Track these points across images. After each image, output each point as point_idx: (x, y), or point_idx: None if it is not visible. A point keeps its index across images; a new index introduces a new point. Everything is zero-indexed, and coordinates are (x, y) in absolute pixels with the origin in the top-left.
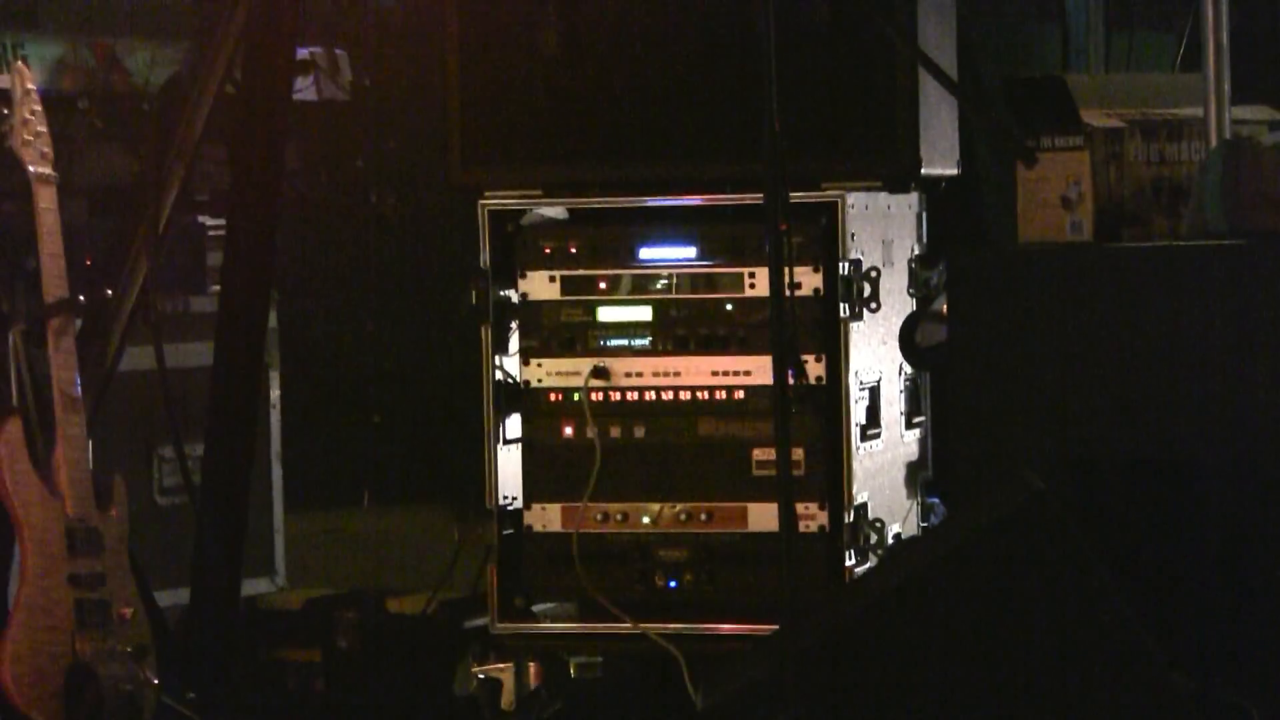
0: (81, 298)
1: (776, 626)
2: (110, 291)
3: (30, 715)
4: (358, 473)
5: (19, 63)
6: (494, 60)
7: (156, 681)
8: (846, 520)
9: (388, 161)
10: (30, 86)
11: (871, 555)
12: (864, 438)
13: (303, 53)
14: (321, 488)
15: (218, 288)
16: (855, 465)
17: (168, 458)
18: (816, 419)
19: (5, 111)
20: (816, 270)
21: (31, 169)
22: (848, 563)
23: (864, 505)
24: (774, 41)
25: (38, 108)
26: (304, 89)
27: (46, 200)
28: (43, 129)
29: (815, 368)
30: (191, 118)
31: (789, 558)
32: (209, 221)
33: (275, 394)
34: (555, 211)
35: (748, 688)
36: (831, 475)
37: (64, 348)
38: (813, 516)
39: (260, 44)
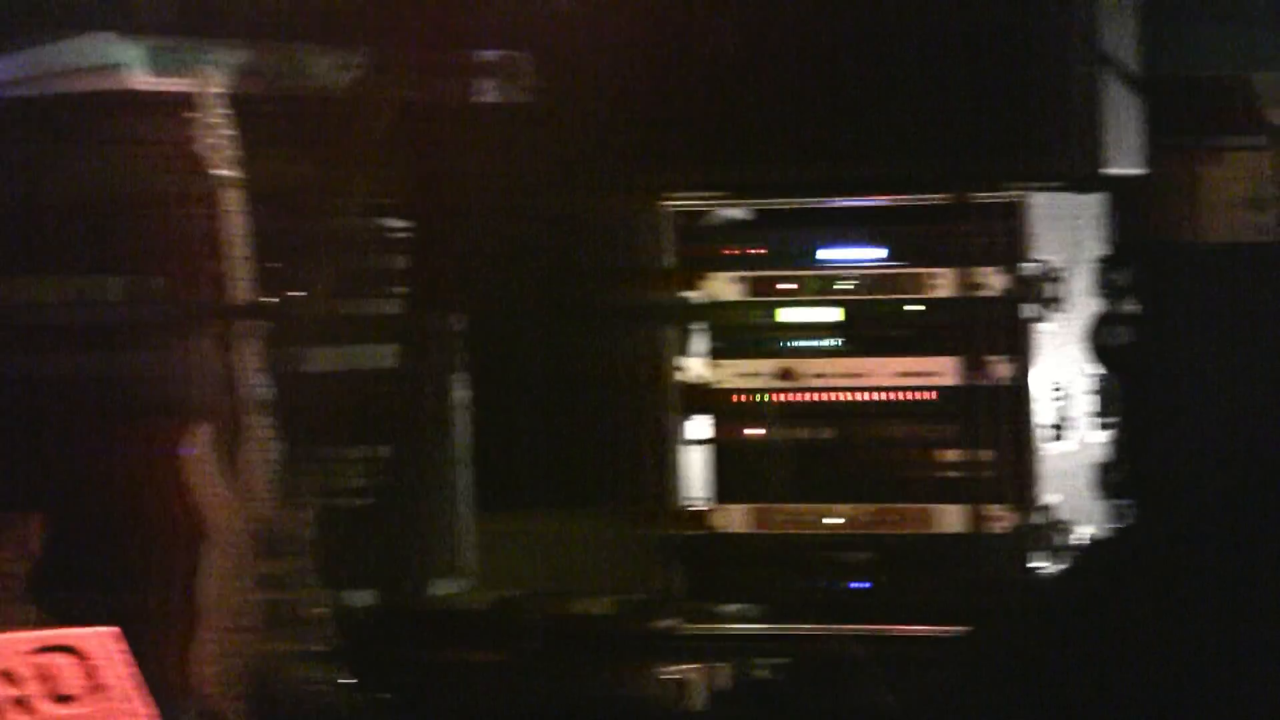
0: (267, 300)
1: (964, 628)
2: (296, 294)
3: (222, 716)
4: (544, 474)
5: (202, 67)
6: (678, 60)
7: (346, 682)
8: (1034, 521)
9: (572, 163)
10: (215, 90)
11: (1060, 557)
12: (1053, 439)
13: (484, 55)
14: (510, 489)
15: (405, 290)
16: (1044, 466)
17: (355, 459)
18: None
19: (190, 115)
20: (1001, 271)
21: (216, 173)
22: (1035, 564)
23: (1051, 507)
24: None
25: (223, 112)
26: (485, 91)
27: (230, 204)
28: (227, 133)
29: (1000, 369)
30: (375, 121)
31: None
32: (394, 224)
33: (463, 396)
34: (739, 212)
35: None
36: (1019, 476)
37: (251, 350)
38: (1001, 518)
39: (441, 48)
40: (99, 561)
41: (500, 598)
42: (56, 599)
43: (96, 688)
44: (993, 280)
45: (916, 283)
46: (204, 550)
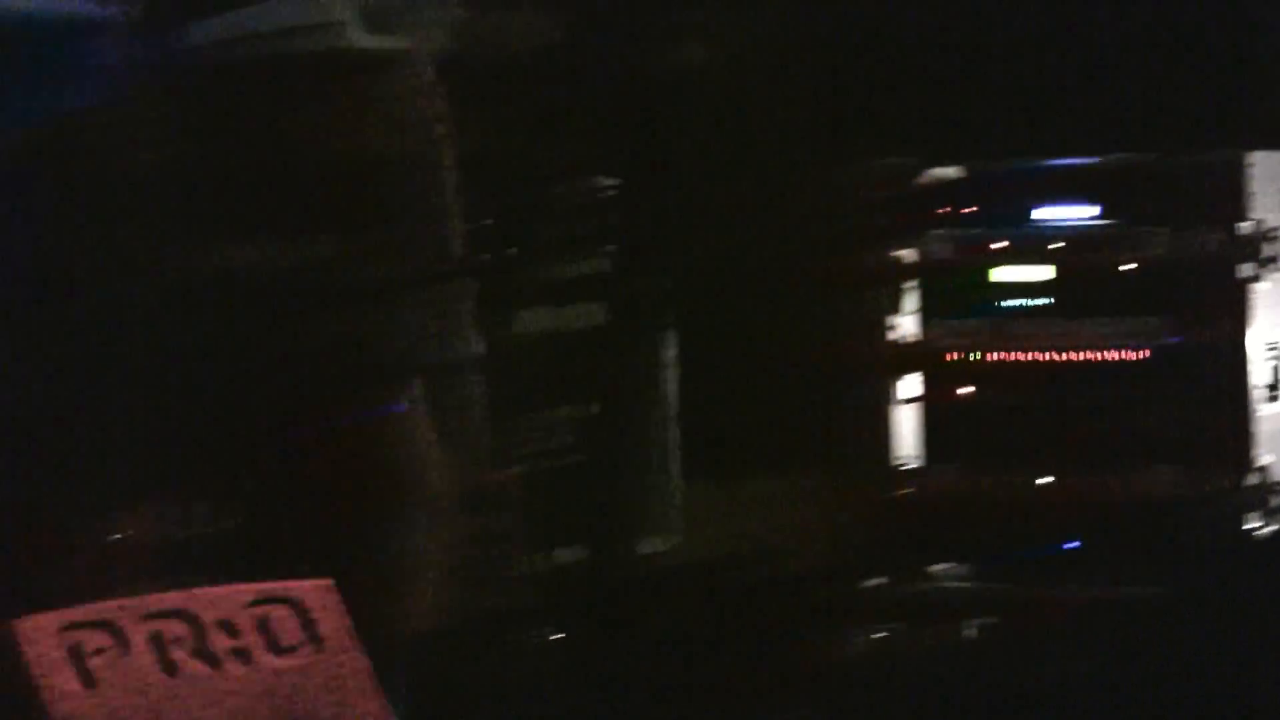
0: (481, 259)
1: (1175, 591)
2: (505, 253)
3: (433, 667)
4: (753, 434)
5: (420, 26)
6: (895, 20)
7: (554, 637)
8: (1250, 483)
9: (782, 123)
10: (432, 49)
11: (1276, 519)
12: (1270, 400)
13: (694, 15)
14: (716, 449)
15: (616, 250)
16: (1260, 427)
17: (563, 418)
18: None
19: (407, 74)
20: (1218, 230)
21: (431, 131)
22: (1250, 527)
23: (1268, 468)
24: None
25: (439, 70)
26: (698, 51)
27: (445, 163)
28: (444, 92)
29: (1217, 329)
30: (592, 81)
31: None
32: (603, 182)
33: (671, 355)
34: (950, 172)
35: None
36: (1235, 438)
37: (462, 309)
38: (1215, 480)
39: (652, 9)
40: (312, 516)
41: (712, 557)
42: (273, 553)
43: (314, 639)
44: (1208, 240)
45: (1131, 242)
46: (415, 507)
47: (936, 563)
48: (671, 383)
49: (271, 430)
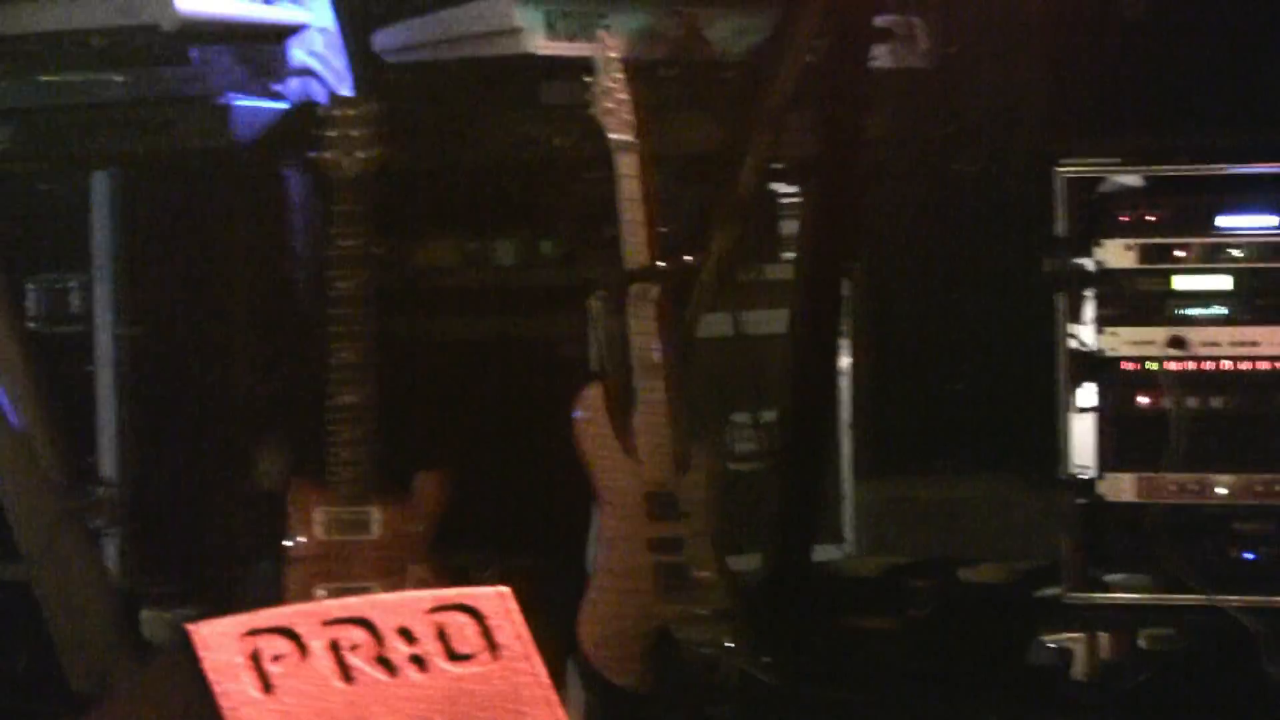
0: (662, 264)
1: None
2: (690, 258)
3: (610, 678)
4: (928, 441)
5: (603, 32)
6: (1074, 25)
7: (733, 646)
8: None
9: (967, 129)
10: (614, 55)
11: None
12: None
13: (882, 20)
14: (891, 455)
15: (793, 255)
16: None
17: (742, 424)
18: None
19: (589, 80)
20: None
21: (613, 136)
22: None
23: None
24: None
25: (620, 76)
26: (883, 57)
27: (628, 167)
28: (625, 97)
29: None
30: (774, 87)
31: None
32: (783, 189)
33: (846, 362)
34: (1133, 179)
35: None
36: None
37: (645, 314)
38: None
39: (841, 13)
40: (495, 521)
41: (887, 564)
42: (453, 558)
43: (492, 646)
44: None
45: None
46: (597, 512)
47: (1114, 571)
48: (847, 390)
49: (449, 431)
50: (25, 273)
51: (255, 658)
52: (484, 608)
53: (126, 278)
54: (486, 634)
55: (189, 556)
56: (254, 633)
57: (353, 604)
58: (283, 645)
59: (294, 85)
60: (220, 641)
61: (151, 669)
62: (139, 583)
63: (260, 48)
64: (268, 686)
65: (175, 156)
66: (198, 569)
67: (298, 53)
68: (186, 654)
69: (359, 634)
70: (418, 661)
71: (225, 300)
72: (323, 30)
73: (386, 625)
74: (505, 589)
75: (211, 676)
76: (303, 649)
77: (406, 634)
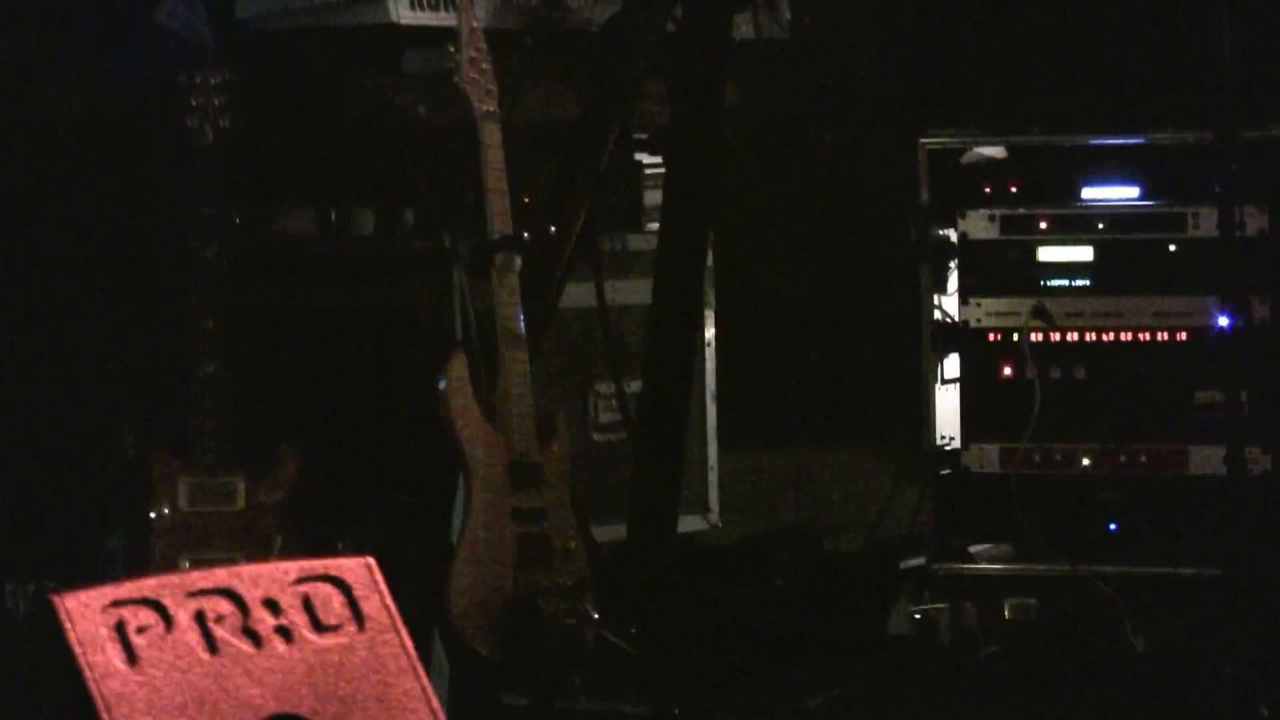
0: (525, 234)
1: (1217, 570)
2: (552, 228)
3: (475, 646)
4: (791, 411)
5: (466, 1)
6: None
7: (596, 615)
8: None
9: (826, 100)
10: (476, 25)
11: None
12: None
13: None
14: (754, 426)
15: (655, 225)
16: None
17: (604, 394)
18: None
19: (452, 49)
20: (1263, 211)
21: (477, 106)
22: None
23: None
24: None
25: (483, 46)
26: (743, 26)
27: (491, 137)
28: (487, 67)
29: (1260, 310)
30: (632, 56)
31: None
32: (646, 159)
33: (710, 332)
34: (995, 150)
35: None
36: (1277, 418)
37: (507, 284)
38: (1256, 460)
39: None
40: (354, 492)
41: (747, 534)
42: (313, 529)
43: (358, 617)
44: (1253, 219)
45: (1175, 221)
46: (461, 482)
47: (978, 541)
48: (711, 360)
49: (313, 403)
50: None
51: (120, 629)
52: (349, 578)
53: None
54: (352, 605)
55: (48, 527)
56: (119, 603)
57: (218, 575)
58: (148, 616)
59: (157, 50)
60: (85, 612)
61: (10, 640)
62: None
63: (124, 12)
64: (133, 658)
65: (37, 122)
66: (57, 540)
67: (162, 16)
68: (49, 625)
69: (224, 605)
70: (283, 633)
71: (84, 270)
72: None
73: (252, 596)
74: (370, 559)
75: (76, 648)
76: (168, 620)
77: (272, 605)
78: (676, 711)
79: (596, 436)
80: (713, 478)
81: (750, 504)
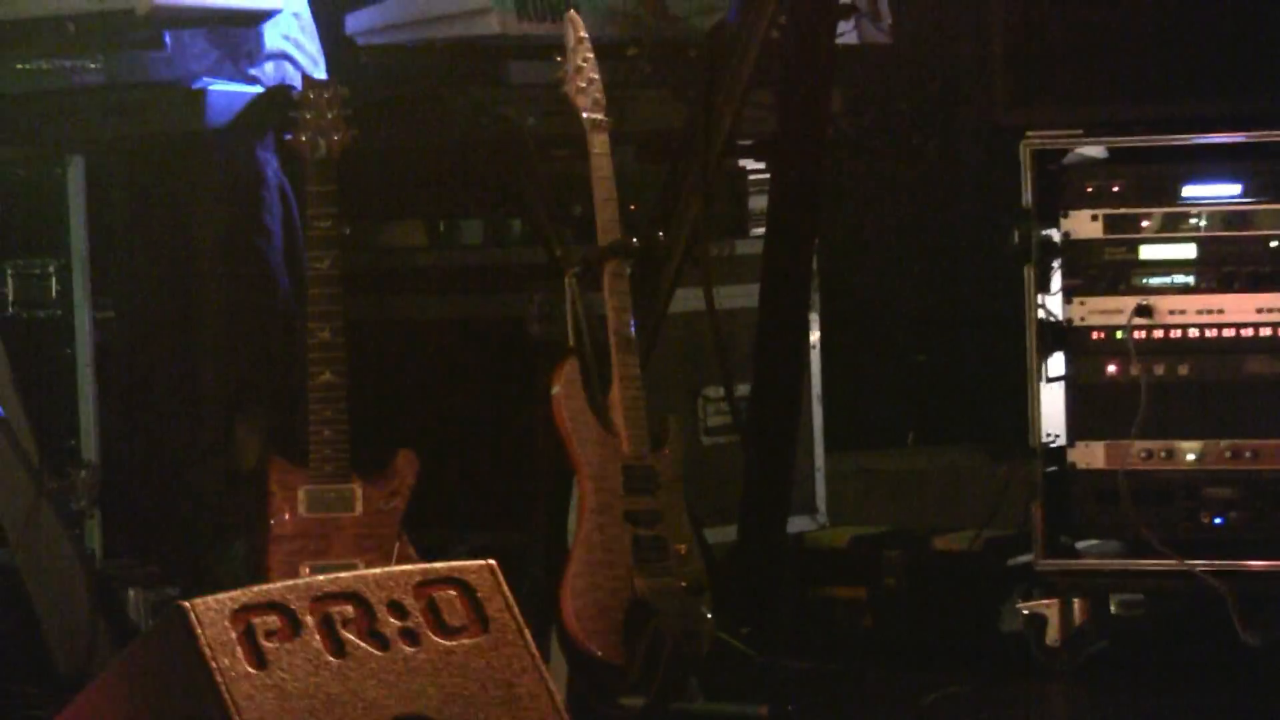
0: (634, 241)
1: None
2: (661, 235)
3: (591, 649)
4: (898, 413)
5: (571, 11)
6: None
7: (711, 617)
8: None
9: (930, 103)
10: (583, 35)
11: None
12: None
13: None
14: (862, 428)
15: (761, 231)
16: None
17: (714, 398)
18: None
19: (560, 60)
20: None
21: (585, 115)
22: None
23: None
24: None
25: (590, 55)
26: (847, 33)
27: (599, 145)
28: (595, 76)
29: None
30: (738, 64)
31: None
32: (751, 165)
33: (816, 336)
34: (1097, 150)
35: None
36: None
37: (618, 290)
38: None
39: None
40: (472, 498)
41: (860, 535)
42: (427, 535)
43: (482, 620)
44: None
45: (1275, 218)
46: (575, 486)
47: (1085, 538)
48: (817, 364)
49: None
50: (1, 258)
51: (249, 633)
52: (473, 581)
53: (102, 261)
54: (476, 607)
55: (170, 537)
56: (246, 609)
57: (343, 579)
58: (275, 621)
59: (269, 69)
60: (214, 618)
61: (134, 648)
62: (121, 564)
63: (234, 32)
64: (262, 662)
65: (150, 140)
66: (178, 550)
67: (272, 36)
68: (178, 631)
69: (351, 609)
70: (409, 635)
71: (201, 282)
72: (296, 14)
73: (377, 600)
74: (492, 562)
75: (206, 653)
76: (295, 625)
77: (398, 608)
78: (791, 710)
79: (706, 440)
80: (820, 479)
81: (859, 506)
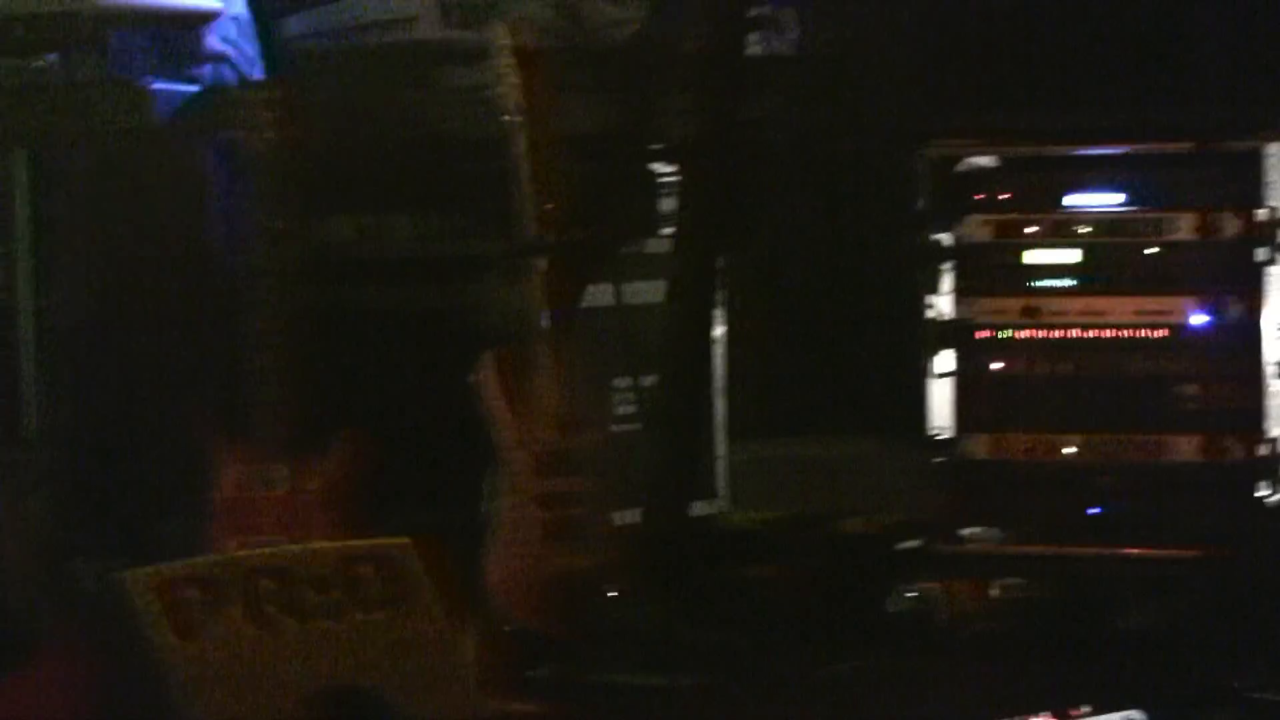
0: (551, 238)
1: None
2: (577, 233)
3: (509, 624)
4: (797, 403)
5: (495, 21)
6: (936, 14)
7: (615, 593)
8: (1262, 453)
9: (834, 112)
10: (504, 42)
11: None
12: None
13: (755, 9)
14: (762, 417)
15: (671, 231)
16: (1271, 401)
17: (623, 388)
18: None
19: (482, 65)
20: (1237, 216)
21: (506, 118)
22: (1262, 493)
23: (1278, 439)
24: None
25: (511, 62)
26: (757, 43)
27: (518, 148)
28: (516, 82)
29: (1234, 308)
30: (652, 72)
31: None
32: (663, 168)
33: (720, 330)
34: (989, 159)
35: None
36: (1249, 409)
37: (535, 284)
38: (1230, 448)
39: (714, 4)
40: (402, 479)
41: (761, 518)
42: (359, 515)
43: (398, 595)
44: (1228, 224)
45: (1155, 226)
46: (493, 470)
47: (970, 525)
48: (720, 356)
49: (358, 397)
50: None
51: (177, 604)
52: (391, 557)
53: (47, 250)
54: (393, 582)
55: (115, 511)
56: (176, 581)
57: (268, 554)
58: (203, 593)
59: (209, 70)
60: (145, 588)
61: (74, 617)
62: (68, 537)
63: (174, 35)
64: (189, 632)
65: (95, 136)
66: (123, 523)
67: (212, 39)
68: (114, 601)
69: (274, 583)
70: (328, 609)
71: (149, 270)
72: (235, 18)
73: (299, 575)
74: (409, 540)
75: (137, 621)
76: (220, 597)
77: (318, 583)
78: (690, 683)
79: (616, 427)
80: (721, 466)
81: (760, 491)
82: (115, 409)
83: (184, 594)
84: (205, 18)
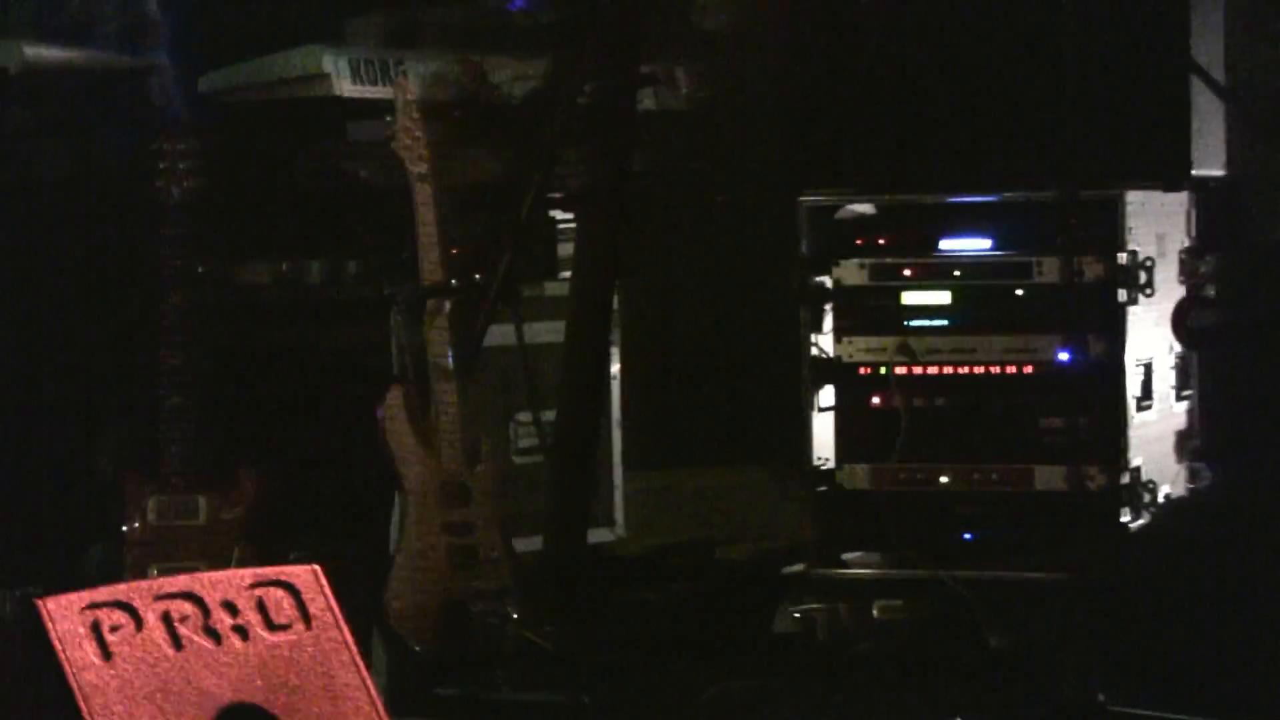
0: (454, 281)
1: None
2: (478, 276)
3: (411, 645)
4: (688, 436)
5: (401, 77)
6: (814, 72)
7: (516, 616)
8: (1124, 481)
9: (721, 163)
10: (410, 98)
11: (1145, 513)
12: (1139, 408)
13: (645, 67)
14: (656, 449)
15: (568, 274)
16: (1132, 433)
17: (524, 422)
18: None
19: (389, 119)
20: (1099, 260)
21: (411, 169)
22: (1124, 519)
23: (1139, 468)
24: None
25: (417, 116)
26: (647, 100)
27: (423, 197)
28: (420, 135)
29: (1096, 346)
30: (549, 126)
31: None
32: (560, 216)
33: (615, 367)
34: (865, 207)
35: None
36: (1111, 441)
37: (438, 325)
38: (1094, 478)
39: (608, 62)
40: (307, 510)
41: (653, 545)
42: (271, 543)
43: (305, 617)
44: (1091, 268)
45: (1022, 269)
46: (399, 500)
47: (851, 550)
48: (616, 392)
49: (268, 431)
50: None
51: (96, 628)
52: (298, 583)
53: None
54: (301, 606)
55: (35, 539)
56: (94, 606)
57: (182, 580)
58: (120, 617)
59: (132, 120)
60: (64, 614)
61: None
62: None
63: (97, 87)
64: (107, 654)
65: (32, 185)
66: (43, 550)
67: (151, 93)
68: (33, 625)
69: (188, 607)
70: (240, 631)
71: (70, 311)
72: (158, 72)
73: (212, 599)
74: (317, 566)
75: (57, 645)
76: (138, 620)
77: (230, 606)
78: (586, 700)
79: (517, 459)
80: (618, 495)
81: (654, 519)
82: (39, 444)
83: (106, 618)
84: (133, 71)
